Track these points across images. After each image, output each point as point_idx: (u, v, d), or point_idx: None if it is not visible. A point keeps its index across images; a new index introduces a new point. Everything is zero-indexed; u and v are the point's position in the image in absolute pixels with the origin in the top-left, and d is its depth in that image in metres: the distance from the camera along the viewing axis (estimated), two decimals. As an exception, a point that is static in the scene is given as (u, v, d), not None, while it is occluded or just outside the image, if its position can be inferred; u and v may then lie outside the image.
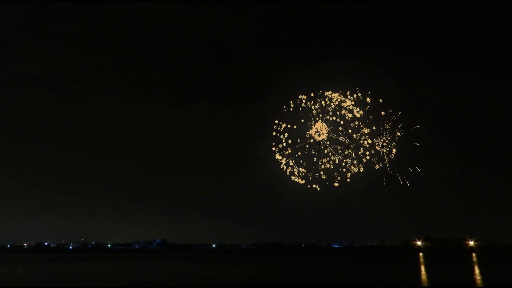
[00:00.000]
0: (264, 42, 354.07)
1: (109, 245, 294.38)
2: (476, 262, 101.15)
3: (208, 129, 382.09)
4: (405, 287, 45.28)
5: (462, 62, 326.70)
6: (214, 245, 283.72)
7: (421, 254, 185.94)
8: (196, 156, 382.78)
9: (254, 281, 51.18)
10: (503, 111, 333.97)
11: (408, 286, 45.69)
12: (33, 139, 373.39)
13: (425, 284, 47.80)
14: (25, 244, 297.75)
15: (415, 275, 61.04)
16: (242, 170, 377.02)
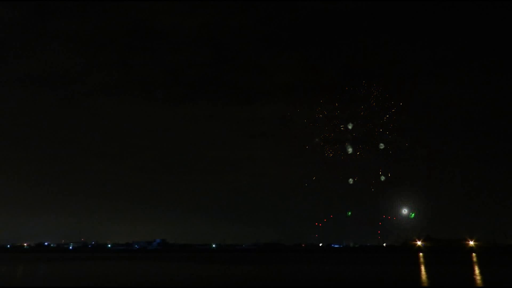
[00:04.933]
0: (264, 42, 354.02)
1: (109, 245, 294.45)
2: (476, 262, 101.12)
3: (208, 129, 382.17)
4: (405, 287, 45.27)
5: (462, 62, 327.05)
6: (214, 245, 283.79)
7: (421, 254, 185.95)
8: (196, 156, 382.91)
9: (254, 281, 51.16)
10: (503, 111, 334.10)
11: (408, 286, 45.67)
12: (33, 139, 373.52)
13: (425, 284, 47.80)
14: (25, 244, 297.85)
15: (415, 275, 61.03)
16: (242, 170, 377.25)
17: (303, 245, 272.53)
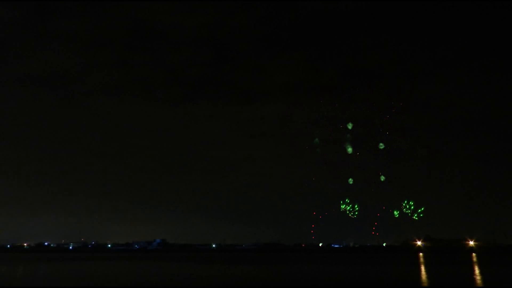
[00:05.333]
0: (264, 42, 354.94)
1: (109, 245, 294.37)
2: (476, 262, 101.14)
3: (208, 129, 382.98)
4: (405, 287, 45.27)
5: (462, 62, 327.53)
6: (214, 245, 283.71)
7: (421, 254, 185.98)
8: (196, 156, 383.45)
9: (254, 281, 51.16)
10: (503, 111, 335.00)
11: (408, 286, 45.67)
12: (33, 139, 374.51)
13: (425, 284, 47.79)
14: (25, 244, 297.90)
15: (415, 275, 61.03)
16: (242, 170, 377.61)
17: (303, 245, 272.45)
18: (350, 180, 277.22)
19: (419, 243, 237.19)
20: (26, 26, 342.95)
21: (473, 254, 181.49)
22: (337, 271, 70.00)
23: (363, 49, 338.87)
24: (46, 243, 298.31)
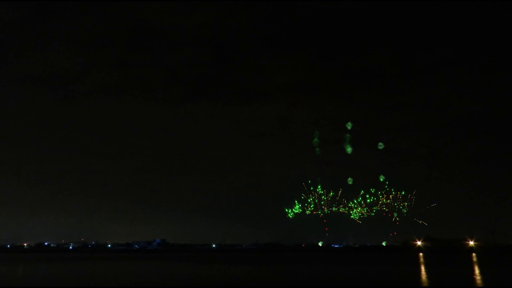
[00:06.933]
0: (264, 42, 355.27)
1: (109, 245, 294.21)
2: (476, 262, 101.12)
3: (208, 129, 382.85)
4: (405, 287, 45.26)
5: (462, 62, 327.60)
6: (214, 245, 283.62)
7: (421, 254, 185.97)
8: (196, 156, 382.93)
9: (254, 281, 51.15)
10: (503, 111, 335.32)
11: (408, 286, 45.66)
12: (33, 139, 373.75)
13: (425, 284, 47.78)
14: (25, 244, 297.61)
15: (415, 275, 61.01)
16: (242, 170, 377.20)
17: (303, 245, 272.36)
18: (350, 180, 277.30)
19: (419, 243, 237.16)
20: (26, 26, 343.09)
21: (473, 254, 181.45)
22: (337, 271, 69.98)
23: (363, 49, 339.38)
24: (46, 243, 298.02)
